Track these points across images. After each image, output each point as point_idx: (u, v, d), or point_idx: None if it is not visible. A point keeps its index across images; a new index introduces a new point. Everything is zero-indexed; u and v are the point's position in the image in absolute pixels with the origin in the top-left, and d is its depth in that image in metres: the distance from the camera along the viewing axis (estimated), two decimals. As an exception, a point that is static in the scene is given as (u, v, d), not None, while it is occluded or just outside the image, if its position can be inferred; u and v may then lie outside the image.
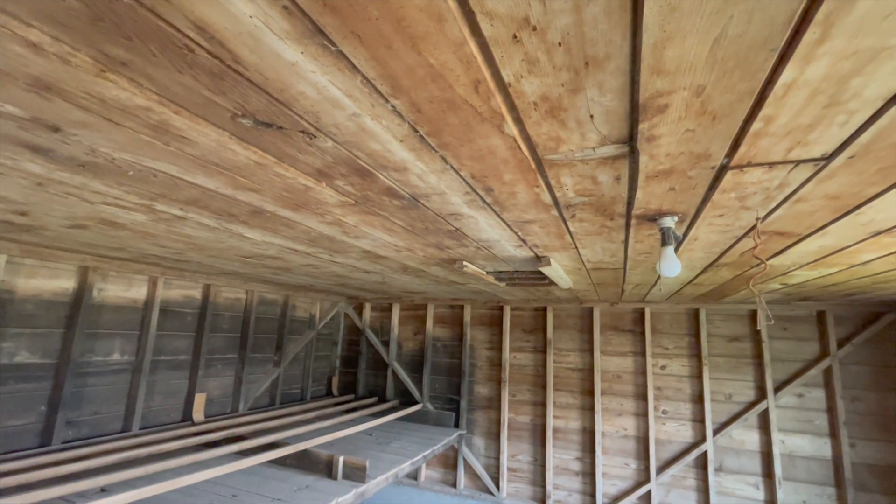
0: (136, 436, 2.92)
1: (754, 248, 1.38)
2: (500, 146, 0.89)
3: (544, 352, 4.43)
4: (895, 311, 3.38)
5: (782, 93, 0.67)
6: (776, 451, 3.53)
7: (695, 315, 3.96)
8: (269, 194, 1.26)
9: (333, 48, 0.60)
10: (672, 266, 1.27)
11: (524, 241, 1.73)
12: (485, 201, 1.25)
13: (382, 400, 5.06)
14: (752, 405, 3.67)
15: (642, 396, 4.02)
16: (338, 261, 2.43)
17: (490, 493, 4.35)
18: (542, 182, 1.08)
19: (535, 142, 0.87)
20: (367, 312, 5.34)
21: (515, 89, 0.69)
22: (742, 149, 0.86)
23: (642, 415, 3.99)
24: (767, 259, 1.86)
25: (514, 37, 0.57)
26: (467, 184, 1.11)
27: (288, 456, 3.02)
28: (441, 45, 0.59)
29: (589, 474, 4.07)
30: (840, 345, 3.50)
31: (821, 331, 3.58)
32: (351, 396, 5.08)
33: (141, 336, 3.14)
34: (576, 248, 1.81)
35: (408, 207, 1.34)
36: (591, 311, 4.34)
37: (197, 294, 3.61)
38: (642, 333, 4.11)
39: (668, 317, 4.07)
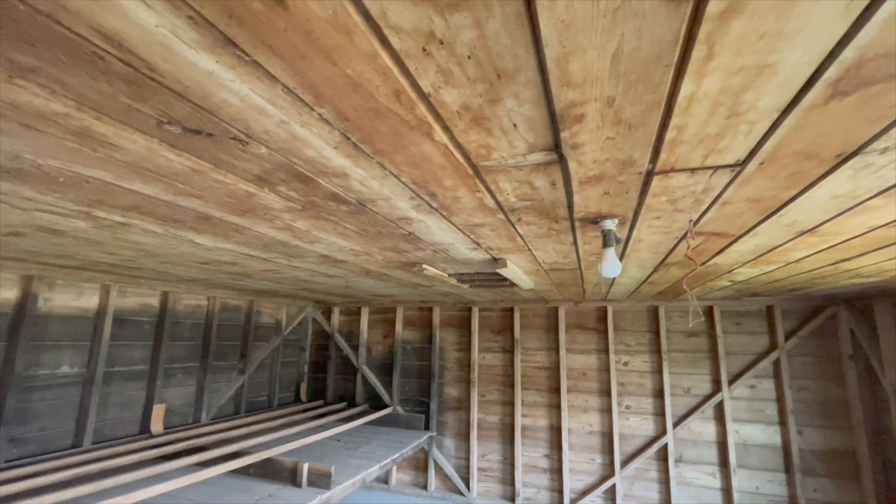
0: (87, 451, 2.80)
1: (688, 249, 1.44)
2: (433, 153, 0.91)
3: (512, 352, 4.49)
4: (835, 306, 3.59)
5: (686, 104, 0.71)
6: (731, 440, 3.69)
7: (654, 312, 4.10)
8: (212, 200, 1.24)
9: (248, 58, 0.61)
10: (612, 266, 1.32)
11: (478, 244, 1.76)
12: (431, 206, 1.27)
13: (352, 405, 5.01)
14: (708, 397, 3.83)
15: (606, 393, 4.13)
16: (297, 265, 2.40)
17: (461, 493, 4.37)
18: (482, 187, 1.11)
19: (467, 149, 0.89)
20: (336, 317, 5.29)
21: (436, 99, 0.70)
22: (663, 155, 0.90)
23: (607, 411, 4.10)
24: (711, 257, 1.95)
25: (424, 50, 0.59)
26: (410, 189, 1.13)
27: (251, 465, 2.96)
28: (354, 57, 0.60)
29: (557, 471, 4.15)
30: (787, 337, 3.69)
31: (770, 325, 3.77)
32: (320, 402, 5.01)
33: (93, 346, 3.02)
34: (529, 249, 1.85)
35: (356, 212, 1.35)
36: (556, 310, 4.42)
37: (154, 301, 3.49)
38: (605, 331, 4.22)
39: (629, 315, 4.20)
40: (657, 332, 4.06)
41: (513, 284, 2.75)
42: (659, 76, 0.63)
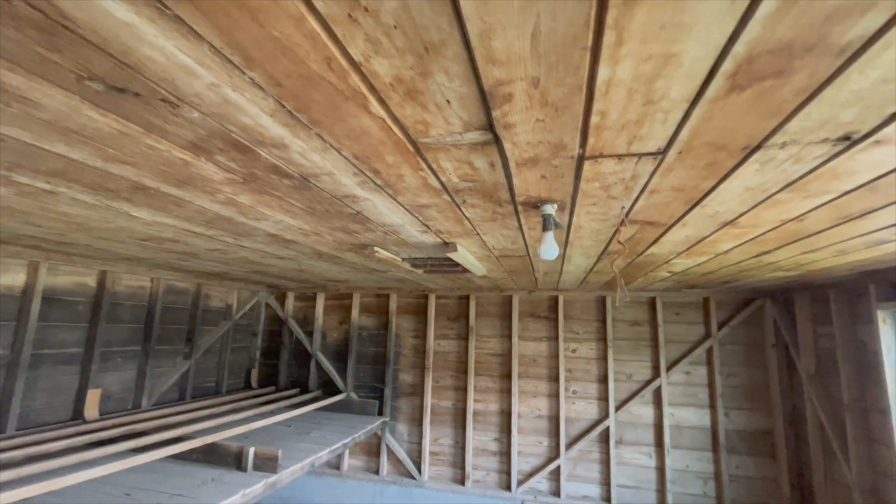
0: (10, 437, 2.63)
1: (618, 234, 1.53)
2: (372, 126, 0.92)
3: (467, 339, 4.57)
4: (762, 298, 3.89)
5: (605, 89, 0.76)
6: (666, 423, 3.94)
7: (602, 302, 4.29)
8: (146, 168, 1.19)
9: (169, 11, 0.60)
10: (550, 250, 1.38)
11: (427, 227, 1.78)
12: (376, 183, 1.28)
13: (305, 391, 4.95)
14: (648, 383, 4.06)
15: (555, 378, 4.29)
16: (245, 245, 2.34)
17: (412, 477, 4.43)
18: (424, 165, 1.13)
19: (404, 124, 0.90)
20: (291, 302, 5.18)
21: (368, 69, 0.72)
22: (591, 140, 0.96)
23: (554, 396, 4.27)
24: (648, 247, 2.07)
25: (350, 16, 0.60)
26: (353, 164, 1.13)
27: (194, 450, 2.88)
28: (281, 19, 0.60)
29: (506, 454, 4.28)
30: (720, 327, 3.97)
31: (705, 315, 4.04)
32: (271, 388, 4.92)
33: (18, 327, 2.82)
34: (478, 234, 1.89)
35: (300, 187, 1.34)
36: (510, 299, 4.54)
37: (91, 281, 3.30)
38: (556, 320, 4.37)
39: (579, 304, 4.37)
40: (604, 321, 4.25)
41: (466, 271, 2.80)
42: (577, 59, 0.67)
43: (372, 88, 0.77)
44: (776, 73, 0.70)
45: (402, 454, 4.50)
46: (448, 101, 0.81)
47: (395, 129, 0.93)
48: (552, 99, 0.79)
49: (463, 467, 4.35)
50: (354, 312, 4.93)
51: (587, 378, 4.24)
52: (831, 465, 3.19)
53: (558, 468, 4.11)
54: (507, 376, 4.41)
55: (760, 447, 3.76)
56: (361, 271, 3.35)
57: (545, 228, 1.40)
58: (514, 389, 4.34)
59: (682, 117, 0.85)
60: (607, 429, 4.07)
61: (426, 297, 4.77)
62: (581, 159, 1.06)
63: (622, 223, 1.41)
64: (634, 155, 1.02)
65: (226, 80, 0.76)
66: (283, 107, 0.84)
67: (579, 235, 1.87)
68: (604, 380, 4.18)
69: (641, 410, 4.06)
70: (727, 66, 0.68)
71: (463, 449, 4.38)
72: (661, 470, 3.91)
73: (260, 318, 5.23)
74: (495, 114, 0.84)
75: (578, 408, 4.21)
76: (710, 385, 3.93)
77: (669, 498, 3.84)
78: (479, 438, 4.39)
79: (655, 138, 0.94)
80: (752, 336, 3.92)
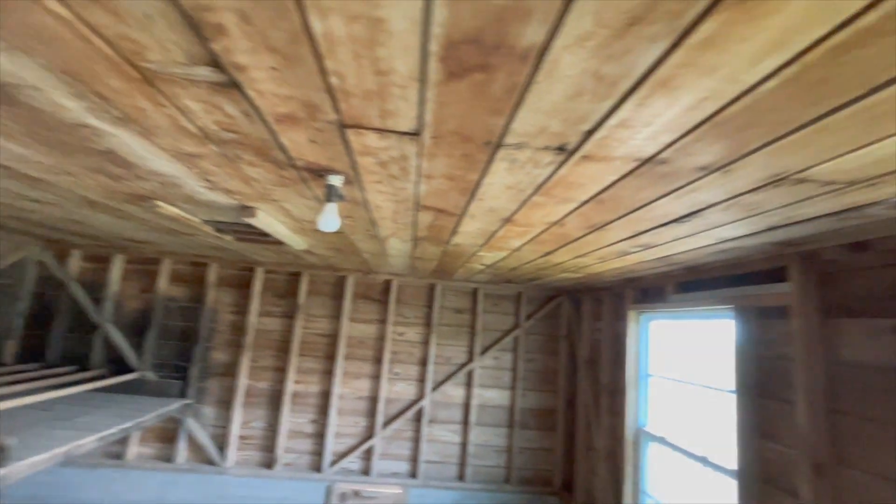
0: None
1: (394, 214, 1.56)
2: (61, 30, 0.74)
3: (294, 317, 4.35)
4: (562, 296, 4.53)
5: (328, 46, 0.72)
6: (474, 402, 4.33)
7: (431, 289, 4.50)
8: None
9: None
10: (328, 221, 1.34)
11: (211, 183, 1.59)
12: (114, 115, 1.07)
13: (85, 369, 4.14)
14: (463, 366, 4.40)
15: (380, 360, 4.36)
16: (-33, 176, 1.80)
17: (213, 463, 4.06)
18: (165, 101, 0.97)
19: (106, 36, 0.75)
20: (77, 262, 4.27)
21: (1, -62, 0.56)
22: (343, 106, 0.93)
23: (377, 377, 4.34)
24: (450, 236, 2.19)
25: None
26: (64, 81, 0.92)
27: None
28: None
29: (321, 435, 4.21)
30: (527, 319, 4.50)
31: (517, 308, 4.53)
32: (35, 365, 3.99)
33: None
34: (276, 200, 1.77)
35: (6, 103, 1.05)
36: (344, 279, 4.45)
37: None
38: (387, 303, 4.44)
39: (411, 289, 4.51)
40: (431, 307, 4.46)
41: (281, 243, 2.62)
42: (282, 2, 0.62)
43: (28, -29, 0.61)
44: (480, 67, 0.75)
45: (205, 439, 4.08)
46: (150, 16, 0.69)
47: (99, 42, 0.77)
48: (276, 44, 0.73)
49: (273, 450, 4.14)
50: (162, 280, 4.29)
51: (410, 360, 4.41)
52: (588, 436, 3.88)
53: (371, 448, 4.20)
54: (332, 357, 4.33)
55: (545, 423, 4.38)
56: (163, 232, 2.90)
57: (328, 199, 1.36)
58: (338, 371, 4.28)
59: (420, 99, 0.87)
60: (422, 409, 4.30)
61: (252, 270, 4.39)
62: (342, 127, 1.03)
63: (417, 206, 1.45)
64: (392, 132, 1.03)
65: None
66: None
67: (382, 216, 1.88)
68: (425, 362, 4.39)
69: (454, 391, 4.38)
70: (434, 46, 0.70)
71: (276, 431, 4.17)
72: (464, 445, 4.28)
73: (26, 277, 4.18)
74: (215, 47, 0.75)
75: (399, 389, 4.36)
76: (514, 369, 4.44)
77: (469, 470, 4.23)
78: (296, 420, 4.24)
79: (405, 117, 0.95)
80: (550, 328, 4.53)
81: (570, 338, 4.46)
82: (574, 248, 2.22)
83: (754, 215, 1.41)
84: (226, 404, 4.20)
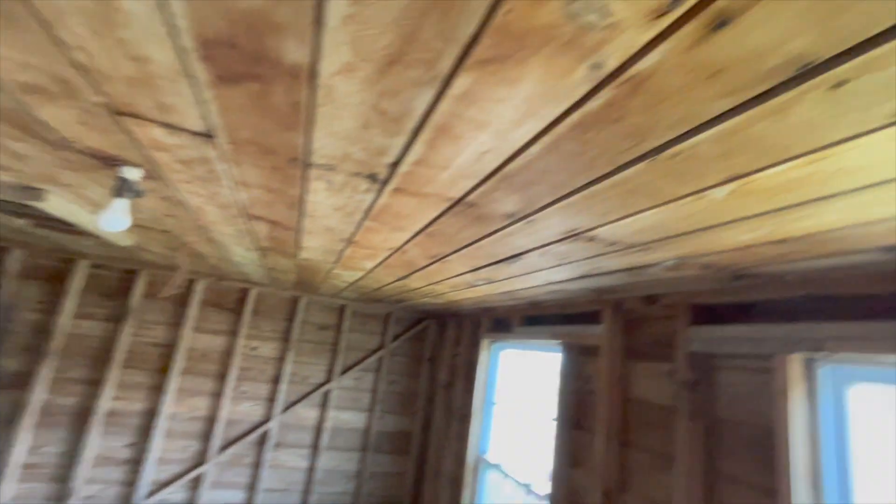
0: None
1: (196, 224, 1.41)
2: None
3: (121, 322, 3.72)
4: (429, 319, 4.59)
5: (53, 13, 0.60)
6: (327, 425, 4.11)
7: (295, 302, 4.22)
8: None
9: None
10: (114, 219, 1.14)
11: (-33, 152, 1.27)
12: None
13: None
14: (320, 386, 4.17)
15: (224, 376, 3.93)
16: None
17: (-23, 500, 3.22)
18: None
19: None
20: None
21: None
22: (107, 88, 0.78)
23: (219, 395, 3.89)
24: (297, 251, 2.06)
25: None
26: None
27: None
28: None
29: (138, 461, 3.61)
30: (393, 339, 4.45)
31: (385, 328, 4.47)
32: None
33: None
34: (71, 186, 1.48)
35: None
36: (192, 283, 3.97)
37: None
38: (242, 314, 4.05)
39: (272, 300, 4.19)
40: (292, 321, 4.18)
41: (95, 235, 2.22)
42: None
43: None
44: (252, 76, 0.68)
45: (-32, 469, 3.23)
46: None
47: None
48: (-23, -5, 0.58)
49: (69, 481, 3.43)
50: (-64, 264, 3.37)
51: (262, 378, 4.05)
52: (437, 461, 3.92)
53: (202, 475, 3.72)
54: (166, 371, 3.79)
55: (400, 447, 4.32)
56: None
57: (116, 193, 1.16)
58: (172, 387, 3.75)
59: (198, 98, 0.77)
60: (268, 431, 3.95)
61: (71, 262, 3.68)
62: (116, 113, 0.87)
63: (239, 211, 1.30)
64: (181, 129, 0.91)
65: None
66: None
67: (211, 220, 1.68)
68: (277, 381, 4.07)
69: (307, 413, 4.12)
70: (187, 41, 0.62)
71: (76, 458, 3.47)
72: (311, 471, 4.01)
73: None
74: None
75: (244, 409, 3.95)
76: (374, 391, 4.33)
77: (314, 498, 3.96)
78: (108, 444, 3.58)
79: (189, 115, 0.84)
80: (415, 350, 4.54)
81: (432, 361, 4.51)
82: (425, 276, 2.24)
83: (566, 263, 1.54)
84: (8, 424, 3.39)
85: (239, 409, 3.95)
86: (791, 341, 1.25)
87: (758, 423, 1.38)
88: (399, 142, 0.83)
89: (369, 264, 2.16)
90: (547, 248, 1.38)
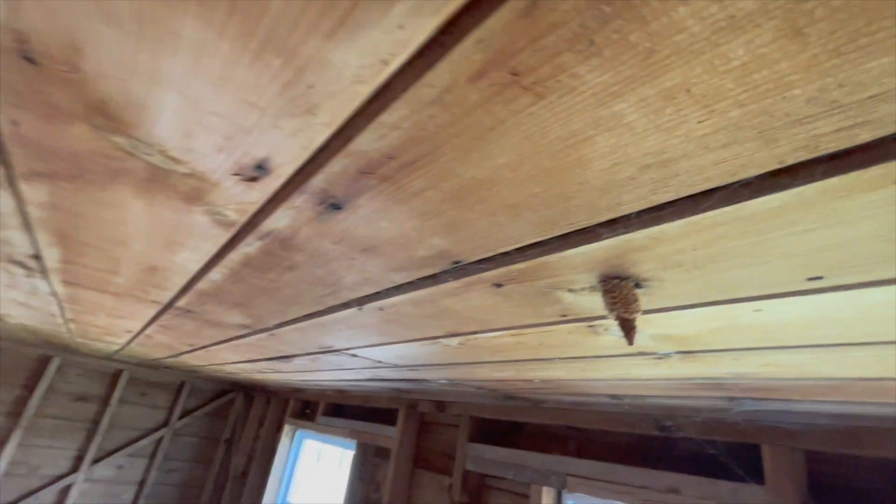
0: None
1: None
2: None
3: None
4: (238, 391, 3.94)
5: None
6: (57, 535, 3.06)
7: (43, 363, 3.23)
8: None
9: None
10: None
11: None
12: None
13: None
14: (57, 479, 3.14)
15: None
16: None
17: None
18: None
19: None
20: None
21: None
22: None
23: None
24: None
25: None
26: None
27: None
28: None
29: None
30: (182, 416, 3.67)
31: (175, 400, 3.67)
32: None
33: None
34: None
35: None
36: None
37: None
38: (-51, 376, 2.93)
39: (9, 358, 3.13)
40: (33, 389, 3.16)
41: None
42: None
43: None
44: None
45: None
46: None
47: None
48: None
49: None
50: None
51: (-40, 470, 2.88)
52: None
53: None
54: None
55: (167, 556, 3.43)
56: None
57: None
58: None
59: None
60: (-50, 551, 2.76)
61: None
62: None
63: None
64: None
65: None
66: None
67: None
68: (-13, 474, 2.94)
69: (29, 519, 3.03)
70: None
71: None
72: None
73: None
74: None
75: (-87, 519, 2.72)
76: (142, 483, 3.43)
77: None
78: None
79: None
80: (212, 429, 3.80)
81: (230, 443, 3.82)
82: (200, 357, 1.85)
83: (346, 369, 1.37)
84: None
85: None
86: (544, 474, 1.25)
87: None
88: (23, 237, 0.58)
89: (117, 340, 1.70)
90: (314, 355, 1.19)
